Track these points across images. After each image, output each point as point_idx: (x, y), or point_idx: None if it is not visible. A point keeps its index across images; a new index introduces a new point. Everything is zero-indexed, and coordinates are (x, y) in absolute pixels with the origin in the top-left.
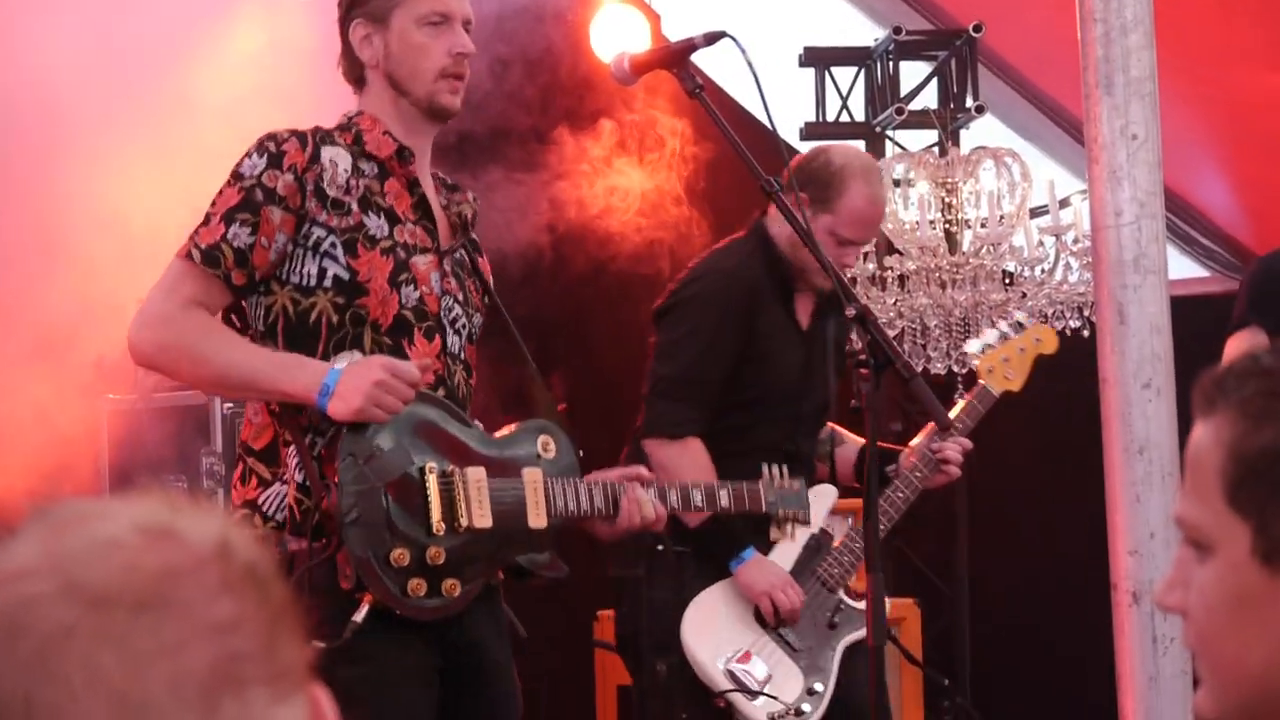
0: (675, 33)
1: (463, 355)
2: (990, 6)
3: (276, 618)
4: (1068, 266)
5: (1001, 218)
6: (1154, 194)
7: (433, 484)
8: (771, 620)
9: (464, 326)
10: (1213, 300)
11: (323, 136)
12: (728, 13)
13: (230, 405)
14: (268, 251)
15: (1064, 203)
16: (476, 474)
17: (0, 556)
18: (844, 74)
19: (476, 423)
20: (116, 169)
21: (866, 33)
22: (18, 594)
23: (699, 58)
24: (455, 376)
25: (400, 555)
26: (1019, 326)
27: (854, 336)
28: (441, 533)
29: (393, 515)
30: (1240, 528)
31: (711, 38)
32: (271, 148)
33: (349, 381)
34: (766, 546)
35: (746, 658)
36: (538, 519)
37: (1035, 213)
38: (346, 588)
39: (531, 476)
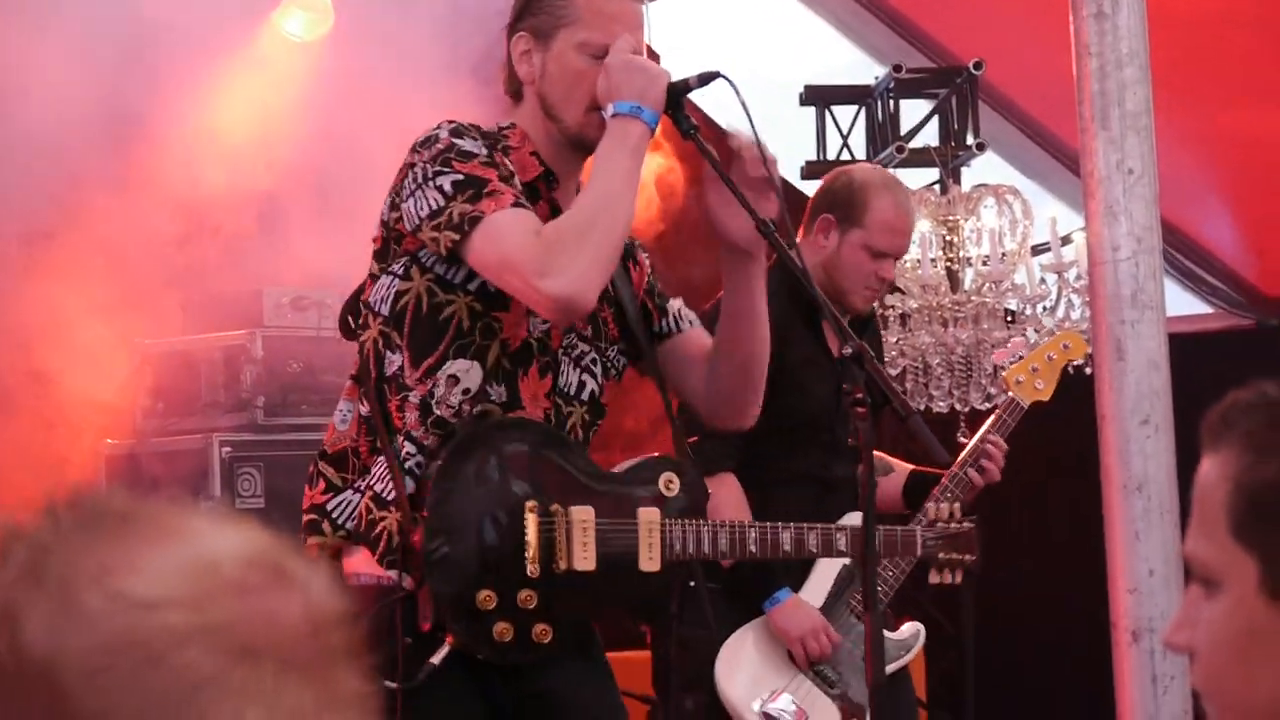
0: (673, 73)
1: (584, 395)
2: (991, 43)
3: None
4: (1070, 304)
5: (1003, 255)
6: (1150, 229)
7: (531, 523)
8: (804, 665)
9: (595, 361)
10: (1216, 336)
11: (483, 134)
12: (728, 51)
13: (229, 450)
14: None
15: (1066, 239)
16: (583, 513)
17: (106, 561)
18: (845, 112)
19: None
20: (108, 202)
21: (867, 71)
22: (152, 624)
23: (696, 96)
24: (570, 420)
25: (487, 598)
26: (1048, 333)
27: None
28: (536, 575)
29: (483, 554)
30: (1247, 562)
31: (705, 78)
32: (473, 134)
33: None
34: (800, 584)
35: (780, 697)
36: (649, 562)
37: (1037, 250)
38: (426, 628)
39: (647, 516)
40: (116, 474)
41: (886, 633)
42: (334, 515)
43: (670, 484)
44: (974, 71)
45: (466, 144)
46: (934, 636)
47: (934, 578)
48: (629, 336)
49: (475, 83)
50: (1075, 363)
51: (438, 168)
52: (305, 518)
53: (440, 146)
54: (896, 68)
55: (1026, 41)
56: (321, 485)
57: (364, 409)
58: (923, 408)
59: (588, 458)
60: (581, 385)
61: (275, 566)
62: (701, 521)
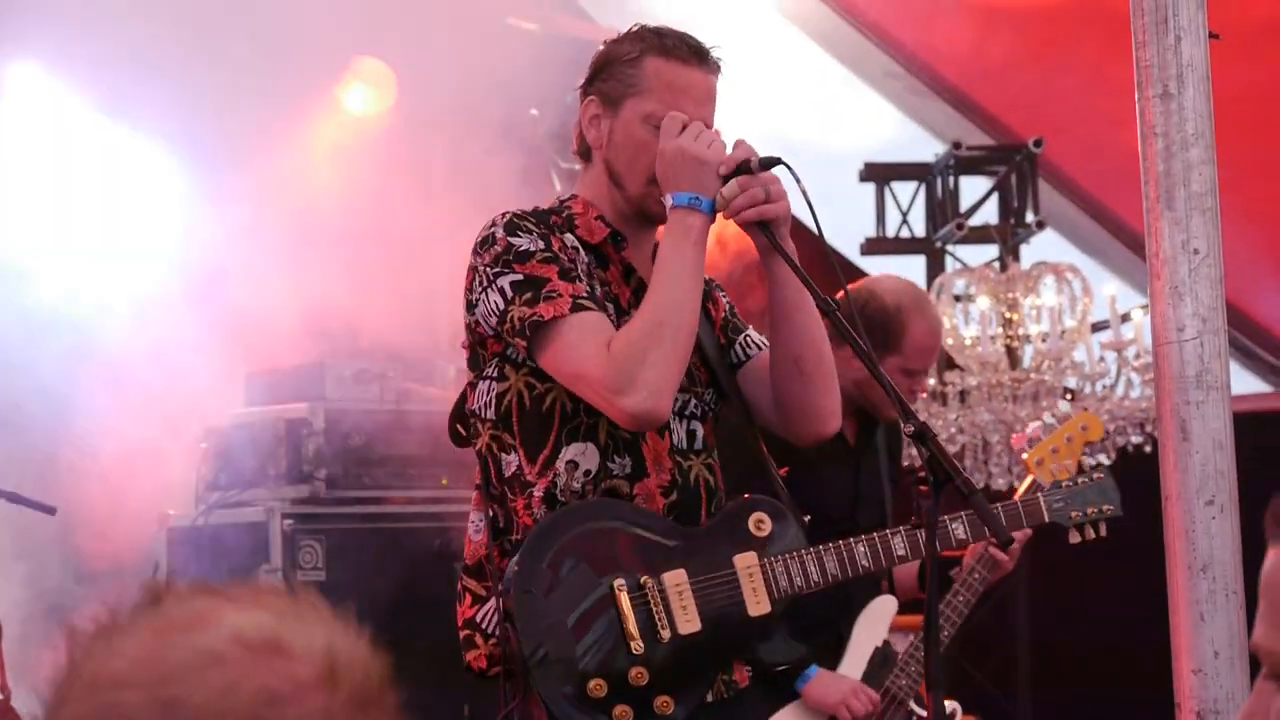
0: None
1: (697, 444)
2: (1050, 121)
3: None
4: (1129, 382)
5: (1063, 333)
6: (1216, 309)
7: (623, 601)
8: None
9: (696, 407)
10: (1276, 416)
11: (539, 220)
12: (788, 128)
13: (290, 522)
14: None
15: (1125, 317)
16: (675, 577)
17: (105, 650)
18: (904, 189)
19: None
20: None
21: (926, 147)
22: (111, 701)
23: None
24: (692, 473)
25: (597, 686)
26: (1064, 416)
27: (913, 453)
28: (640, 651)
29: (583, 645)
30: None
31: (768, 163)
32: (528, 225)
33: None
34: (831, 665)
35: None
36: (757, 606)
37: (1097, 327)
38: None
39: (743, 562)
40: (178, 546)
41: (921, 711)
42: (484, 627)
43: (761, 524)
44: (1034, 149)
45: (523, 241)
46: (991, 714)
47: (1074, 538)
48: (715, 376)
49: (529, 162)
50: (1093, 441)
51: (498, 269)
52: (461, 634)
53: (498, 249)
54: (956, 145)
55: (1085, 119)
56: (468, 599)
57: (492, 515)
58: (982, 485)
59: (667, 520)
60: (692, 435)
61: (266, 640)
62: (804, 551)
